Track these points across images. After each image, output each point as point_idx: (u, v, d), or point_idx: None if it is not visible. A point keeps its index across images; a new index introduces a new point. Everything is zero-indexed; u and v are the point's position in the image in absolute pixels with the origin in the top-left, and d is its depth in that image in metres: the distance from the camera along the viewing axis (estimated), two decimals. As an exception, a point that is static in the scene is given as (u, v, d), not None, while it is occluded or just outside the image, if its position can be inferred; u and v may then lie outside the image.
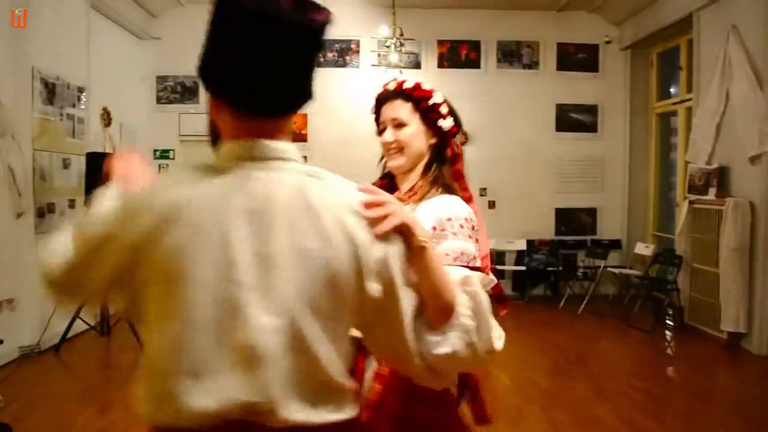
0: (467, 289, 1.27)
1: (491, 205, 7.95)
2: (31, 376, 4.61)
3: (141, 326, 1.09)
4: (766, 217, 5.38)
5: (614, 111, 8.16)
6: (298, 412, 1.03)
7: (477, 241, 1.59)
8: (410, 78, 1.76)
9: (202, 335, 1.00)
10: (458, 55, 8.13)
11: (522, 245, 7.97)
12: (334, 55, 8.04)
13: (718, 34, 5.94)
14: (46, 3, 5.33)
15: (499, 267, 7.84)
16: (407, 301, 1.16)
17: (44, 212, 5.39)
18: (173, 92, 7.95)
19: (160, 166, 7.73)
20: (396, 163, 1.72)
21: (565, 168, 8.19)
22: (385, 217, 1.14)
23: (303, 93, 1.13)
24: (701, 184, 6.13)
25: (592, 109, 8.20)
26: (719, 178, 5.92)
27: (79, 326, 5.48)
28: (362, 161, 7.56)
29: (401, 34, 6.77)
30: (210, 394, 0.99)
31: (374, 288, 1.10)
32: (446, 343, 1.19)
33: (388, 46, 6.89)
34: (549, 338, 6.11)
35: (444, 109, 1.71)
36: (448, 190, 1.67)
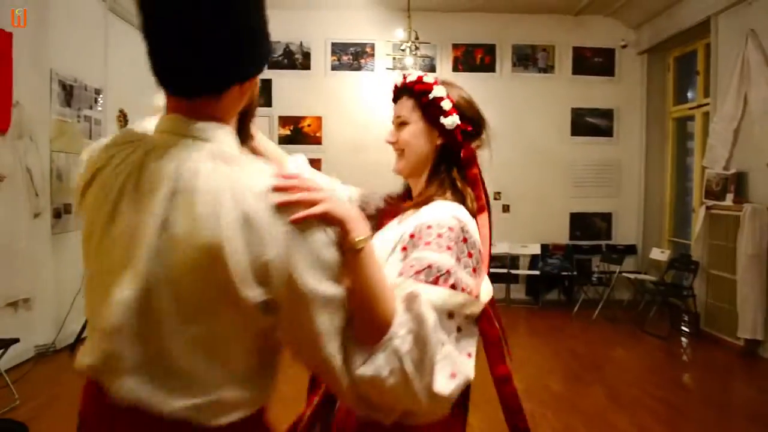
0: (412, 309, 1.11)
1: (505, 209, 7.93)
2: (47, 375, 4.64)
3: None
4: (784, 224, 5.33)
5: (630, 115, 8.10)
6: (137, 390, 1.00)
7: (470, 255, 1.34)
8: (416, 72, 1.59)
9: (91, 296, 1.08)
10: (473, 58, 8.12)
11: (536, 249, 7.93)
12: (349, 59, 8.06)
13: (736, 38, 5.88)
14: (65, 6, 5.38)
15: (512, 271, 7.81)
16: (323, 309, 1.00)
17: (61, 213, 5.43)
18: (189, 94, 7.99)
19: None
20: (396, 165, 1.57)
21: (580, 172, 8.14)
22: (305, 204, 0.99)
23: (219, 71, 1.01)
24: (718, 190, 6.07)
25: (607, 114, 8.15)
26: (737, 184, 5.86)
27: (94, 326, 5.49)
28: (377, 164, 7.57)
29: (416, 38, 6.77)
30: (83, 353, 1.08)
31: (254, 293, 0.96)
32: (370, 364, 1.05)
33: (403, 50, 6.88)
34: (563, 343, 6.07)
35: (446, 105, 1.49)
36: (457, 196, 1.46)
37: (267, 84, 7.94)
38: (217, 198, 0.96)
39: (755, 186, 5.71)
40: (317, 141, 8.03)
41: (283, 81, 7.96)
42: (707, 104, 6.67)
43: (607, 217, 8.21)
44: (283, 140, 7.99)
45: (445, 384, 1.14)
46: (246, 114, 1.15)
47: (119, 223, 1.02)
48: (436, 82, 1.52)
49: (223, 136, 1.05)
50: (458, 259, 1.30)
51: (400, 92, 1.58)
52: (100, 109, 6.14)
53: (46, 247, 5.16)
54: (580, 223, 8.18)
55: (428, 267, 1.25)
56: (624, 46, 7.98)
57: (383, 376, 1.04)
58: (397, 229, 1.46)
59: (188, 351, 1.00)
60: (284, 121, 8.02)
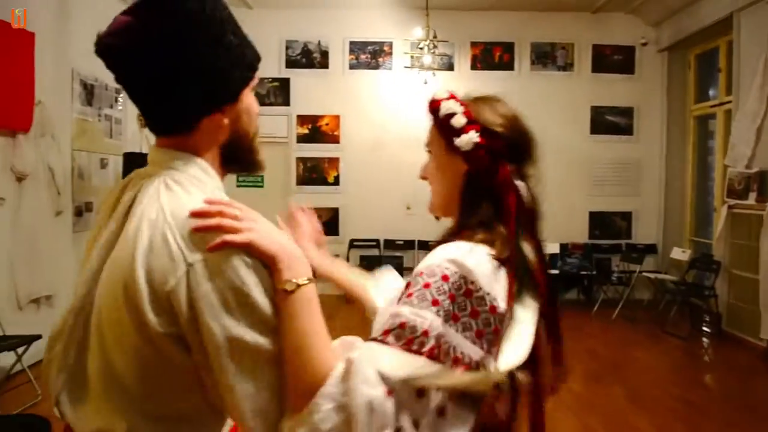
0: (347, 379, 0.91)
1: (524, 208, 7.88)
2: (68, 371, 4.68)
3: None
4: (808, 223, 5.25)
5: (650, 113, 8.02)
6: (63, 405, 1.02)
7: (474, 314, 1.04)
8: (444, 90, 1.28)
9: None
10: (492, 56, 8.08)
11: (555, 249, 7.87)
12: (367, 57, 8.06)
13: (759, 35, 5.80)
14: (86, 5, 5.44)
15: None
16: (234, 358, 0.89)
17: (82, 211, 5.49)
18: (208, 94, 8.04)
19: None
20: (429, 204, 1.31)
21: (600, 171, 8.08)
22: (227, 231, 0.90)
23: (175, 112, 1.02)
24: (741, 189, 5.99)
25: (627, 112, 8.07)
26: (759, 183, 5.77)
27: (114, 323, 5.55)
28: (394, 163, 7.64)
29: (434, 36, 6.75)
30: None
31: (160, 324, 0.90)
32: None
33: (421, 48, 6.87)
34: (582, 343, 6.02)
35: (458, 121, 1.19)
36: (487, 236, 1.13)
37: (285, 83, 7.98)
38: (139, 224, 0.95)
39: (779, 185, 5.63)
40: (335, 140, 8.04)
41: (301, 80, 7.98)
42: (729, 102, 6.58)
43: (627, 216, 8.14)
44: (302, 139, 8.01)
45: None
46: (240, 142, 1.10)
47: (99, 238, 1.05)
48: (450, 97, 1.24)
49: (188, 166, 1.03)
50: (453, 318, 1.03)
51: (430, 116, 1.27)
52: (120, 108, 6.19)
53: (68, 244, 5.22)
54: (600, 222, 8.12)
55: (400, 326, 0.99)
56: (644, 44, 7.90)
57: None
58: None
59: (100, 377, 0.97)
60: (302, 119, 8.03)
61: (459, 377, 1.01)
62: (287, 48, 8.00)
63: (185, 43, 0.97)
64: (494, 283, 1.07)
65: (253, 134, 1.13)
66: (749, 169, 5.92)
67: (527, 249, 1.13)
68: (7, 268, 4.52)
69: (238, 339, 0.89)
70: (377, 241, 7.95)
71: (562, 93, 8.01)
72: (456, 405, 1.02)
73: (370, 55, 8.06)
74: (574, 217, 8.03)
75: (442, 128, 1.22)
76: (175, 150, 1.04)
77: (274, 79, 7.99)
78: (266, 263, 0.93)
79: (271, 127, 7.88)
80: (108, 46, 1.02)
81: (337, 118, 8.05)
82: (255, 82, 1.11)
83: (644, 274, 7.40)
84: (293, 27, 7.98)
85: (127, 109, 6.30)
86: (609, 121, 8.08)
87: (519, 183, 1.18)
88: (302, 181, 8.05)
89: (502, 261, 1.09)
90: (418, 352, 0.98)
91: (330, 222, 7.81)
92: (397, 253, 7.90)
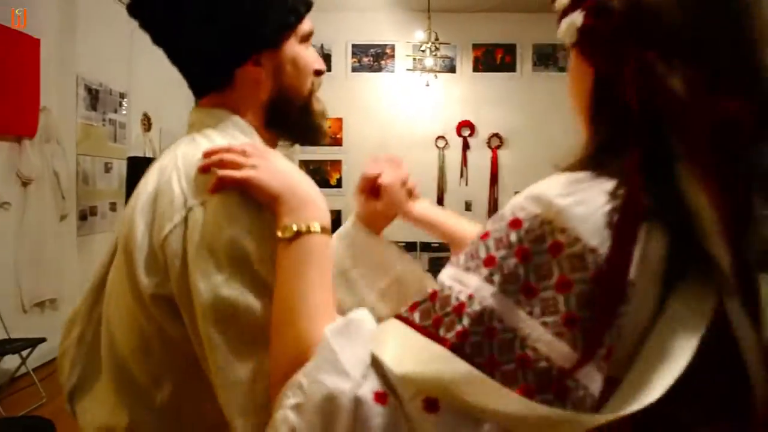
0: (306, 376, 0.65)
1: (526, 209, 7.90)
2: (73, 374, 4.72)
3: None
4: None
5: (653, 114, 8.02)
6: (75, 400, 0.96)
7: (564, 285, 0.60)
8: None
9: None
10: (493, 59, 8.10)
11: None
12: (369, 60, 8.09)
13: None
14: (91, 11, 5.49)
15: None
16: (218, 322, 0.72)
17: (86, 215, 5.54)
18: (211, 97, 8.08)
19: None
20: None
21: (602, 172, 8.08)
22: (230, 167, 0.78)
23: (204, 66, 0.94)
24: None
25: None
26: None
27: (119, 326, 5.59)
28: (397, 165, 7.62)
29: (436, 39, 6.78)
30: None
31: (145, 282, 0.78)
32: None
33: (423, 51, 6.89)
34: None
35: (561, 2, 0.77)
36: (609, 169, 0.68)
37: (288, 86, 8.02)
38: (149, 174, 0.87)
39: None
40: (338, 143, 8.07)
41: (304, 83, 8.02)
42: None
43: (629, 217, 8.13)
44: (304, 142, 8.05)
45: None
46: (287, 101, 0.97)
47: None
48: None
49: (222, 123, 0.92)
50: (524, 288, 0.61)
51: None
52: (124, 112, 6.24)
53: (72, 248, 5.27)
54: (602, 223, 8.11)
55: (430, 298, 0.65)
56: (646, 45, 7.90)
57: None
58: None
59: (107, 361, 0.88)
60: (305, 122, 8.06)
61: (513, 402, 0.57)
62: (290, 51, 8.04)
63: None
64: (596, 236, 0.61)
65: (306, 92, 0.99)
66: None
67: (696, 197, 0.60)
68: (12, 271, 4.56)
69: (226, 300, 0.72)
70: (380, 243, 7.97)
71: (564, 94, 7.86)
72: None
73: (372, 57, 8.09)
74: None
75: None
76: (211, 108, 0.94)
77: (277, 83, 8.02)
78: (269, 205, 0.78)
79: (274, 130, 7.95)
80: (135, 1, 0.95)
81: (339, 120, 8.08)
82: (303, 29, 0.97)
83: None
84: (296, 30, 8.00)
85: (131, 113, 6.35)
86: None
87: (668, 78, 0.64)
88: (305, 183, 8.08)
89: (642, 211, 0.62)
90: (441, 339, 0.61)
91: (333, 224, 7.82)
92: (400, 255, 7.90)
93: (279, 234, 0.75)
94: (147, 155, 6.52)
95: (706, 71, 0.64)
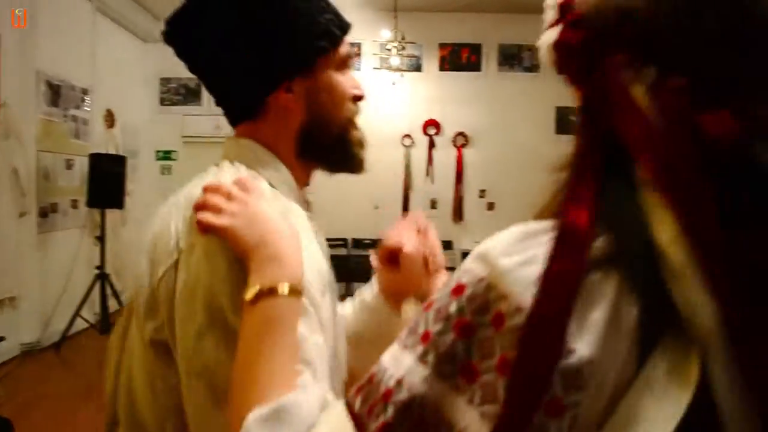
0: None
1: (490, 206, 7.99)
2: (32, 373, 4.67)
3: None
4: None
5: (614, 115, 8.18)
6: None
7: (501, 368, 0.49)
8: None
9: None
10: (459, 58, 8.17)
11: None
12: (336, 58, 8.09)
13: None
14: (52, 6, 5.40)
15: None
16: (193, 376, 0.72)
17: (47, 212, 5.46)
18: (177, 94, 8.01)
19: (162, 168, 7.82)
20: None
21: (565, 171, 8.21)
22: (213, 211, 0.75)
23: (230, 102, 0.92)
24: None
25: (592, 113, 8.22)
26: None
27: (79, 324, 5.54)
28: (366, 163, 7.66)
29: (403, 38, 6.83)
30: None
31: (145, 326, 0.79)
32: None
33: (389, 50, 6.94)
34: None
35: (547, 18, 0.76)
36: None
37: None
38: (159, 211, 0.85)
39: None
40: (304, 140, 8.07)
41: (270, 80, 8.02)
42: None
43: (591, 215, 8.27)
44: (271, 139, 8.04)
45: None
46: (321, 130, 0.93)
47: None
48: None
49: (241, 151, 0.90)
50: (463, 371, 0.51)
51: None
52: (87, 108, 6.16)
53: (32, 246, 5.19)
54: (565, 221, 8.24)
55: (368, 381, 0.57)
56: (608, 46, 8.05)
57: None
58: None
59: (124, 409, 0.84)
60: (272, 120, 8.05)
61: None
62: (256, 48, 8.02)
63: (238, 8, 0.86)
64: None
65: (343, 120, 0.94)
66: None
67: (663, 232, 0.49)
68: (-30, 269, 4.49)
69: (200, 352, 0.71)
70: (345, 240, 7.99)
71: (528, 94, 8.13)
72: None
73: (339, 56, 8.09)
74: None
75: None
76: (239, 137, 0.91)
77: (243, 80, 8.01)
78: (242, 257, 0.73)
79: (240, 128, 7.94)
80: (169, 29, 0.92)
81: (306, 118, 8.07)
82: (341, 54, 0.93)
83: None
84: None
85: (93, 110, 6.27)
86: (574, 122, 8.19)
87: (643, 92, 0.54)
88: (272, 181, 8.06)
89: (603, 259, 0.51)
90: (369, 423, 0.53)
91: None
92: (366, 252, 7.93)
93: (246, 296, 0.69)
94: (110, 152, 6.45)
95: (686, 80, 0.53)
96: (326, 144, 0.93)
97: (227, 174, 0.84)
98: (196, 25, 0.89)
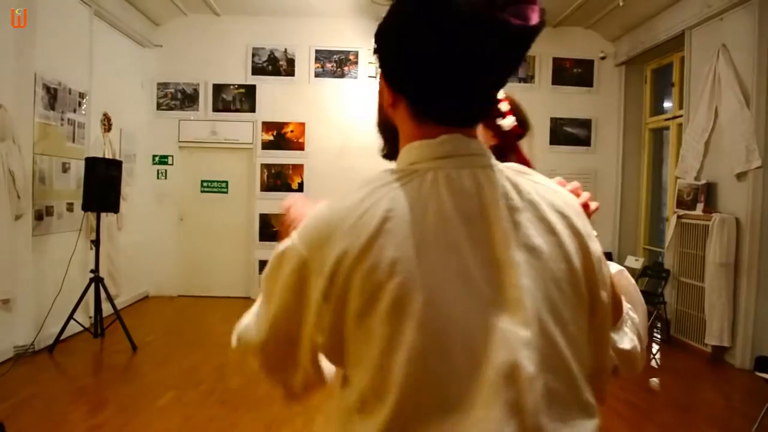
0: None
1: (485, 215, 8.04)
2: (25, 375, 4.70)
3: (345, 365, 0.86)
4: (751, 233, 5.47)
5: (608, 125, 8.26)
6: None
7: None
8: None
9: (444, 364, 0.79)
10: (455, 67, 8.22)
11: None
12: (332, 66, 8.16)
13: (708, 52, 6.04)
14: (50, 9, 5.46)
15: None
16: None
17: (42, 215, 5.50)
18: (173, 99, 8.07)
19: (158, 172, 7.84)
20: None
21: (559, 181, 8.27)
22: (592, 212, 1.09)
23: (492, 103, 0.97)
24: (689, 200, 6.22)
25: (586, 124, 8.30)
26: (707, 194, 6.01)
27: (73, 327, 5.57)
28: (357, 170, 7.74)
29: (398, 47, 6.87)
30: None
31: (604, 294, 0.93)
32: (625, 339, 1.07)
33: (385, 58, 6.98)
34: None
35: (504, 107, 1.51)
36: None
37: (251, 90, 8.05)
38: (552, 205, 0.93)
39: (724, 197, 5.86)
40: (300, 147, 8.12)
41: (266, 87, 8.06)
42: (681, 116, 6.82)
43: (584, 225, 8.33)
44: (266, 145, 8.08)
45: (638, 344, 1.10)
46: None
47: (468, 260, 0.83)
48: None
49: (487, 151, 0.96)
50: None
51: None
52: (83, 112, 6.20)
53: (27, 248, 5.22)
54: (558, 230, 8.28)
55: None
56: (603, 58, 8.14)
57: (636, 346, 1.10)
58: None
59: (579, 378, 0.88)
60: (267, 126, 8.10)
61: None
62: (253, 55, 8.07)
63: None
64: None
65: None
66: (698, 180, 6.16)
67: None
68: (-36, 271, 4.52)
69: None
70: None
71: (523, 104, 8.15)
72: None
73: (335, 63, 8.17)
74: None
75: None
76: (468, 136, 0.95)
77: (240, 86, 8.06)
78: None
79: (236, 134, 7.98)
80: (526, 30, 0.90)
81: (302, 125, 8.13)
82: None
83: (600, 281, 7.58)
84: (260, 34, 8.06)
85: (90, 114, 6.31)
86: (568, 133, 8.30)
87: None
88: (266, 187, 8.11)
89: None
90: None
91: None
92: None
93: None
94: (106, 156, 6.49)
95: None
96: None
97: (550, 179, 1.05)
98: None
